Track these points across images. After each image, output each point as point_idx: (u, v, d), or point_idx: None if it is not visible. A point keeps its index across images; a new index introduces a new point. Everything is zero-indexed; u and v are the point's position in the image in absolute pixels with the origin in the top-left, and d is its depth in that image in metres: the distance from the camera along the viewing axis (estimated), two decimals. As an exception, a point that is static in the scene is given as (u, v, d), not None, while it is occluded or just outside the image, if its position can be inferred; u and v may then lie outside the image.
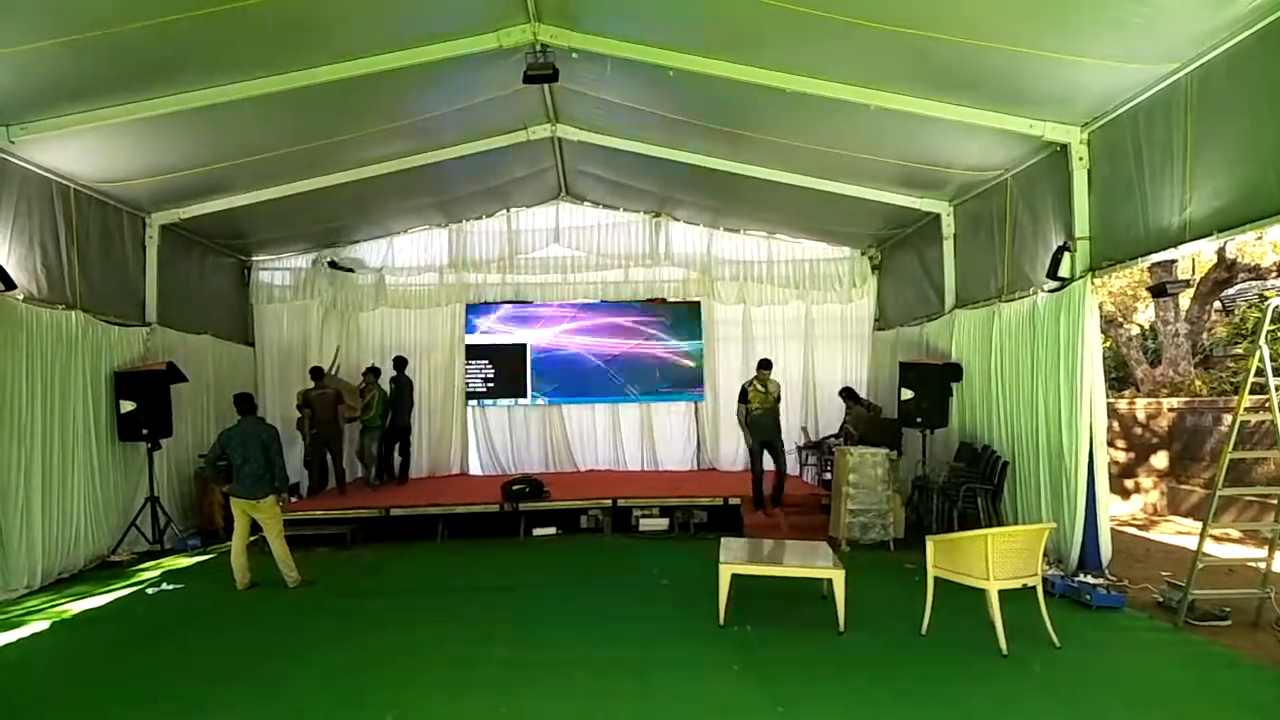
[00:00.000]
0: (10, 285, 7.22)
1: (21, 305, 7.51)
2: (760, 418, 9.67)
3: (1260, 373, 5.85)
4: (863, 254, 13.03)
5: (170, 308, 10.09)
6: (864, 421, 11.04)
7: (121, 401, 8.84)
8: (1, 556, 7.12)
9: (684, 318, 13.48)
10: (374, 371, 11.91)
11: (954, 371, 9.41)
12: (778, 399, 9.88)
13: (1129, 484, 11.49)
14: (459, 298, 13.40)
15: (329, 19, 6.43)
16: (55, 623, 6.58)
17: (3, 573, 7.14)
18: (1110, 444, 9.13)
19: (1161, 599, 6.47)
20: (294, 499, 10.46)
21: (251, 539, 7.58)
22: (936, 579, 5.85)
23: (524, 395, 13.26)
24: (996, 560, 5.43)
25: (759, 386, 9.71)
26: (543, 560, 8.78)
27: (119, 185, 8.73)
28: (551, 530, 10.01)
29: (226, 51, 6.62)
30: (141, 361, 9.28)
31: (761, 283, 13.38)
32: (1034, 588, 5.60)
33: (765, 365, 9.86)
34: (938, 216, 10.04)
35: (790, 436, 13.16)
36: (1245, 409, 6.03)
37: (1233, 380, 12.53)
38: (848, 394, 11.98)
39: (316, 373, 11.51)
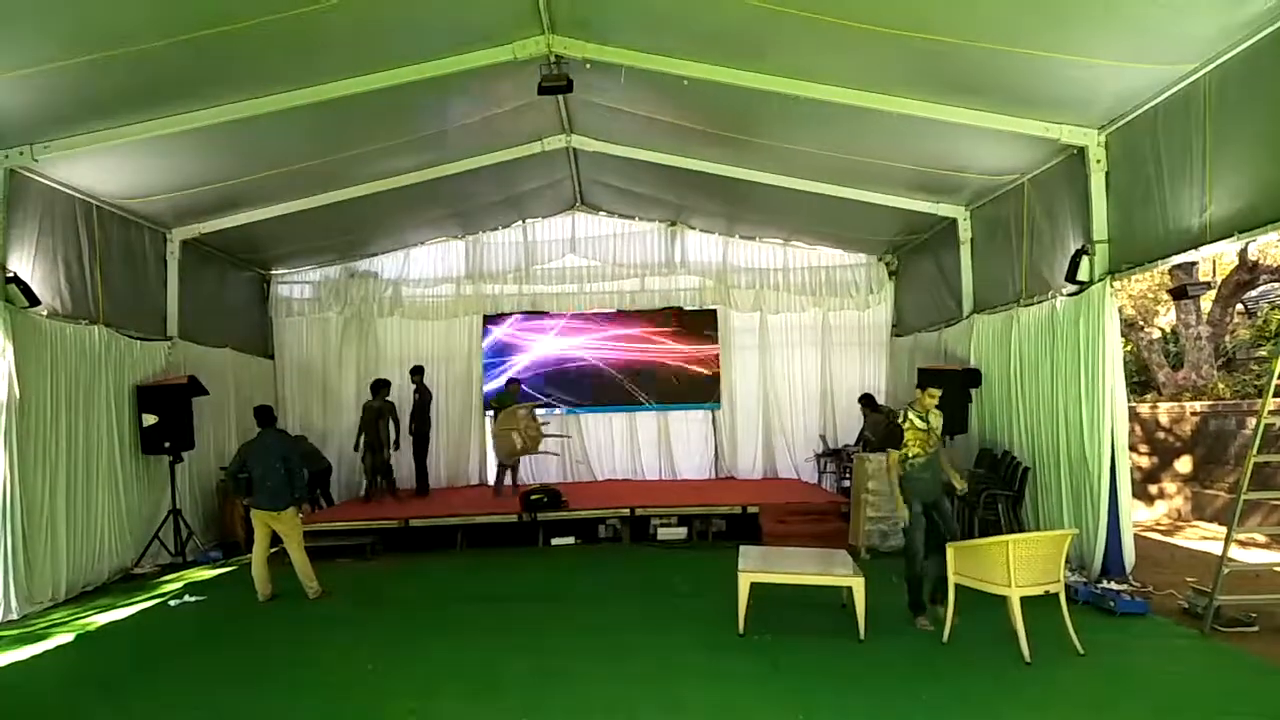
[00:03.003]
0: (34, 301, 7.31)
1: (46, 321, 7.61)
2: (923, 470, 6.35)
3: (1285, 375, 5.79)
4: (879, 260, 13.00)
5: (191, 322, 10.19)
6: (882, 428, 10.97)
7: (144, 415, 8.93)
8: (27, 569, 7.17)
9: (700, 326, 13.49)
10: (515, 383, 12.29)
11: (973, 377, 9.35)
12: (941, 436, 6.65)
13: (1152, 489, 11.37)
14: (476, 309, 13.49)
15: (346, 34, 6.48)
16: (79, 635, 6.63)
17: (28, 586, 7.19)
18: (1132, 449, 9.04)
19: (1187, 605, 6.39)
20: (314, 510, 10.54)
21: (273, 550, 7.62)
22: (958, 586, 5.81)
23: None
24: (1018, 567, 5.39)
25: (918, 423, 6.35)
26: (562, 570, 8.79)
27: (140, 201, 8.85)
28: (570, 540, 10.01)
29: (246, 67, 6.70)
30: (163, 375, 9.37)
31: (778, 290, 13.36)
32: (1056, 594, 5.55)
33: (926, 383, 6.57)
34: (954, 221, 9.99)
35: (809, 445, 13.19)
36: (1270, 412, 5.96)
37: (1256, 383, 12.38)
38: (866, 401, 11.94)
39: (376, 385, 11.76)
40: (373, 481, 11.67)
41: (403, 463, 12.16)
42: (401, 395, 12.31)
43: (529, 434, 11.24)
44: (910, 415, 6.39)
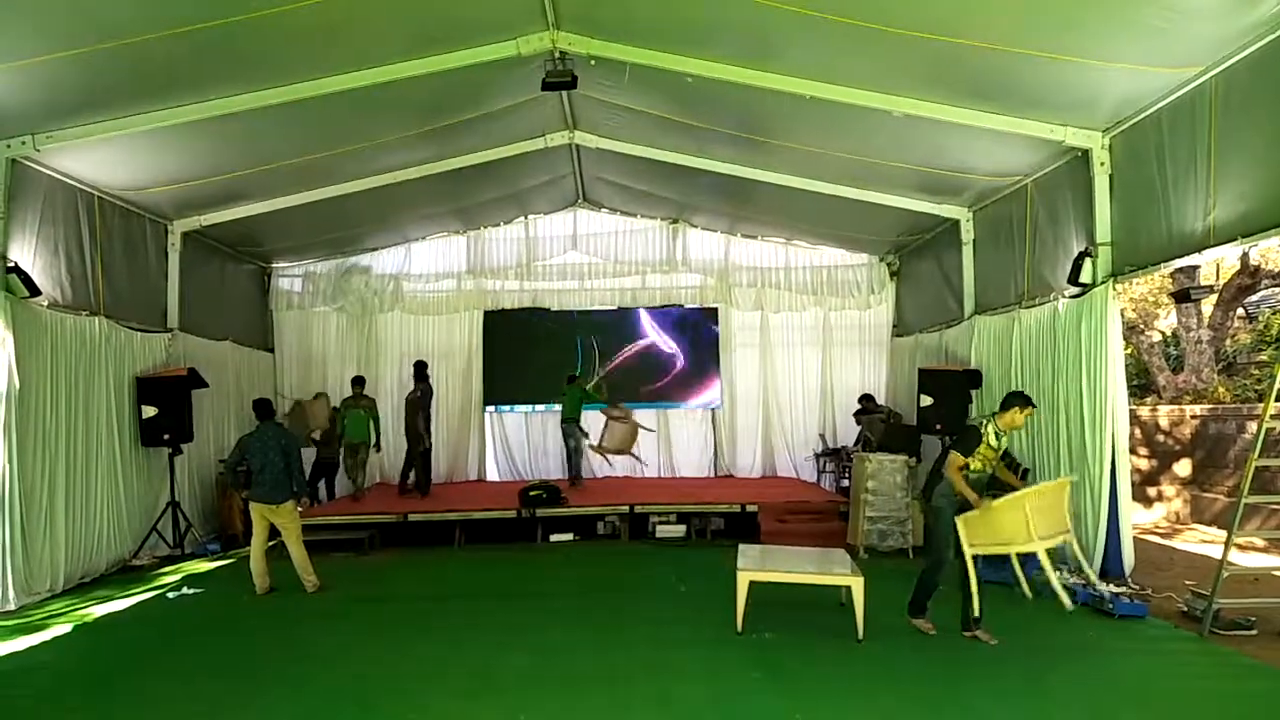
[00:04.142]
0: (35, 291, 7.30)
1: (46, 311, 7.59)
2: (974, 485, 5.79)
3: (1286, 379, 5.78)
4: (881, 260, 13.00)
5: (191, 314, 10.18)
6: (880, 428, 10.98)
7: (143, 407, 8.92)
8: (25, 560, 7.17)
9: (701, 324, 13.49)
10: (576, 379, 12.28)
11: (974, 378, 9.34)
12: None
13: (1151, 492, 11.37)
14: (477, 304, 13.47)
15: (349, 27, 6.47)
16: (77, 626, 6.63)
17: (26, 576, 7.19)
18: (1132, 451, 9.03)
19: (1186, 608, 6.39)
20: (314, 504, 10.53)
21: (271, 544, 7.62)
22: (973, 559, 5.68)
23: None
24: (1036, 520, 5.37)
25: (993, 440, 5.87)
26: (560, 566, 8.78)
27: (142, 193, 8.83)
28: (569, 536, 10.01)
29: (248, 60, 6.68)
30: (163, 367, 9.36)
31: (779, 289, 13.36)
32: (1060, 547, 5.53)
33: (1026, 401, 5.87)
34: (957, 222, 9.98)
35: (809, 444, 13.19)
36: (1271, 416, 5.95)
37: (1256, 387, 12.39)
38: (864, 400, 11.95)
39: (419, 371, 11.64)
40: (405, 476, 11.56)
41: (399, 459, 12.10)
42: (399, 390, 12.30)
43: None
44: (989, 430, 5.85)
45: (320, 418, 11.47)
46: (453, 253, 13.49)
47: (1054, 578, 5.37)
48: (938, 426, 9.54)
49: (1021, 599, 5.81)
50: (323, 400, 11.78)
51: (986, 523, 5.58)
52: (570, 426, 11.75)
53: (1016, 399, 5.89)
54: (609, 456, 12.27)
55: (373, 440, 11.39)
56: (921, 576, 6.09)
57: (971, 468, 5.81)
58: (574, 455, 11.84)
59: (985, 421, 5.91)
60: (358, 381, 11.65)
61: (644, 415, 12.89)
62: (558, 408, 12.97)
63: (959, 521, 5.69)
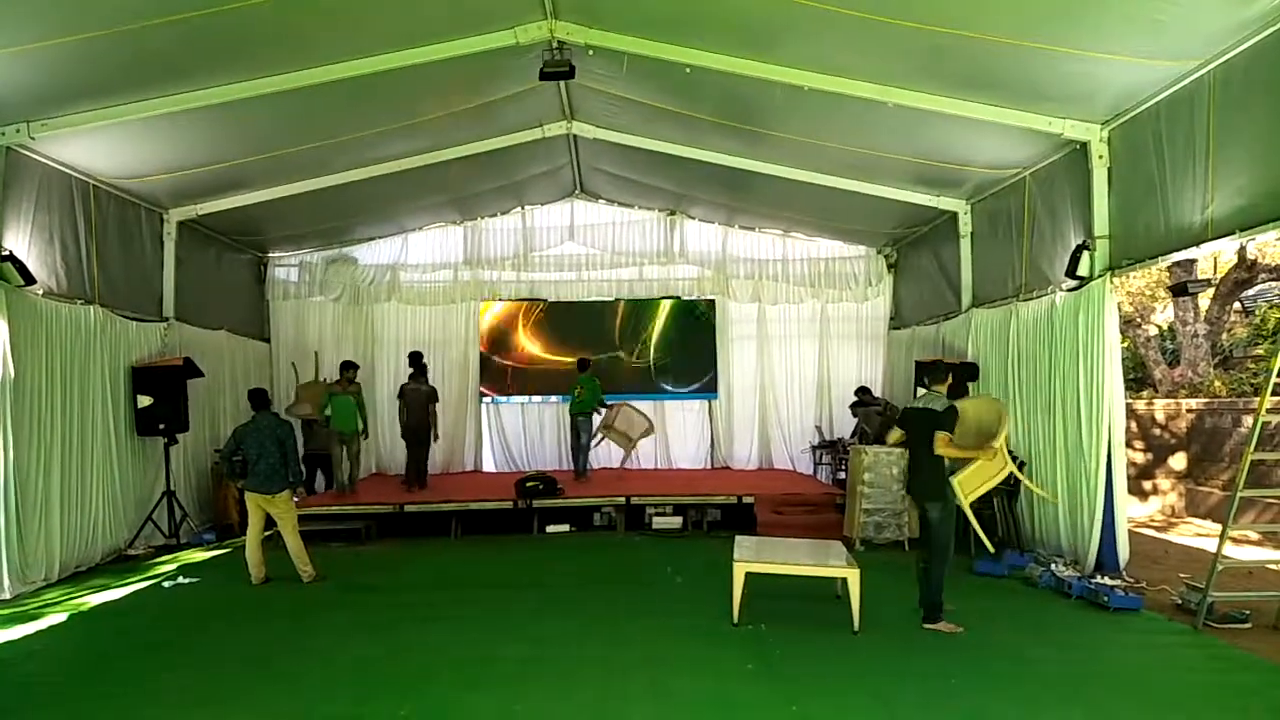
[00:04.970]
0: (30, 280, 7.27)
1: (41, 300, 7.57)
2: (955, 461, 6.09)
3: (1283, 373, 5.78)
4: (878, 252, 12.98)
5: (187, 303, 10.16)
6: (876, 420, 10.98)
7: (139, 396, 8.90)
8: (20, 549, 7.16)
9: (698, 316, 13.48)
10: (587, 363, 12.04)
11: (971, 371, 9.34)
12: None
13: (1147, 485, 11.39)
14: (474, 295, 13.44)
15: (346, 15, 6.44)
16: (73, 615, 6.62)
17: (21, 565, 7.19)
18: (1128, 445, 9.03)
19: (1180, 601, 6.40)
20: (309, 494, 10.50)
21: (267, 534, 7.61)
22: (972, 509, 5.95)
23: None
24: (1005, 453, 5.99)
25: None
26: (556, 557, 8.79)
27: (137, 181, 8.80)
28: (565, 527, 10.02)
29: (243, 48, 6.65)
30: (159, 357, 9.34)
31: (776, 281, 13.34)
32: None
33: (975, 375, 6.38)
34: (955, 215, 9.97)
35: (806, 436, 13.19)
36: (1267, 410, 5.95)
37: (1252, 381, 12.40)
38: (861, 392, 11.94)
39: (416, 364, 11.16)
40: (410, 473, 11.12)
41: (396, 448, 12.13)
42: (397, 380, 12.25)
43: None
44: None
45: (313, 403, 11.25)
46: (449, 243, 13.43)
47: (1035, 487, 6.64)
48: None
49: (1008, 587, 5.83)
50: (319, 385, 11.65)
51: (981, 468, 5.88)
52: (585, 419, 11.49)
53: (962, 369, 6.77)
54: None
55: (361, 427, 10.77)
56: (927, 577, 6.02)
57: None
58: (584, 449, 11.60)
59: (947, 401, 6.17)
60: (347, 366, 10.88)
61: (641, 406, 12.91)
62: (554, 399, 13.02)
63: (954, 483, 5.84)
